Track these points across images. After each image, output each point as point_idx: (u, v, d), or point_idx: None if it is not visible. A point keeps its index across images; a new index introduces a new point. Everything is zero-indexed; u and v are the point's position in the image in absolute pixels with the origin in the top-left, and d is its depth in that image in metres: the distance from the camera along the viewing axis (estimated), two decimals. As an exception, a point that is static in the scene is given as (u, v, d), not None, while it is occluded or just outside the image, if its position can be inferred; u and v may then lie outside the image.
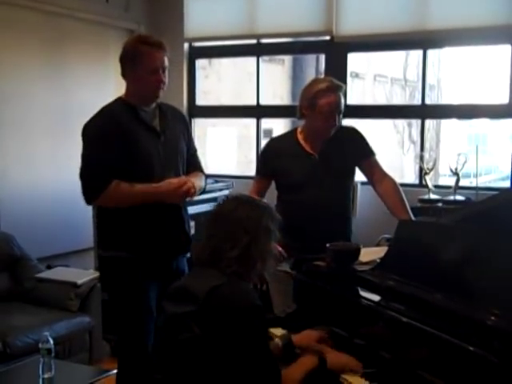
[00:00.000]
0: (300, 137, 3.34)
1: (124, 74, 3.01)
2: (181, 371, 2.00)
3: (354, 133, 3.43)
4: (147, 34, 2.99)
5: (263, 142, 5.72)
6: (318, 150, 3.29)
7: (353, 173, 3.43)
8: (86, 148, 3.00)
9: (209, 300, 1.97)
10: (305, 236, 3.19)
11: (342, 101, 3.26)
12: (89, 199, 3.01)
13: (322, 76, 5.74)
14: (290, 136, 3.42)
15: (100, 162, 2.91)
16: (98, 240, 3.12)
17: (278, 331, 2.52)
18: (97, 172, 2.92)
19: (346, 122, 4.95)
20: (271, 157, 3.39)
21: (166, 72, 2.98)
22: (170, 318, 2.07)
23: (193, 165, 3.19)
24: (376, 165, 3.39)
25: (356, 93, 8.83)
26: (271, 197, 3.45)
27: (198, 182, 3.11)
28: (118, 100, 3.06)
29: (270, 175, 3.41)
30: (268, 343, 2.04)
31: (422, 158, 4.94)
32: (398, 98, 11.71)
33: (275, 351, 2.29)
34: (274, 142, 3.49)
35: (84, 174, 2.98)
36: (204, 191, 3.28)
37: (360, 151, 3.37)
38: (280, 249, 3.17)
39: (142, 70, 2.92)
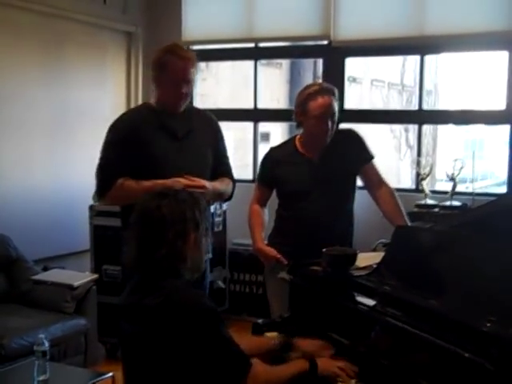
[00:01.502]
0: (299, 144, 3.34)
1: (153, 80, 3.05)
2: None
3: (353, 135, 3.41)
4: (179, 45, 3.02)
5: (260, 146, 5.73)
6: (317, 157, 3.29)
7: (354, 176, 3.41)
8: (103, 149, 3.05)
9: (156, 314, 1.96)
10: (306, 242, 3.17)
11: (334, 104, 3.23)
12: (98, 198, 3.09)
13: (320, 81, 5.75)
14: (289, 144, 3.42)
15: (110, 166, 2.97)
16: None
17: (273, 336, 2.51)
18: (105, 173, 2.98)
19: (343, 127, 4.98)
20: (271, 165, 3.39)
21: (192, 84, 3.00)
22: (126, 337, 2.07)
23: (221, 170, 3.16)
24: (374, 170, 3.38)
25: (353, 97, 8.83)
26: (272, 203, 3.47)
27: (220, 185, 3.09)
28: (144, 104, 3.11)
29: (270, 184, 3.41)
30: (227, 334, 2.01)
31: (418, 164, 4.95)
32: (395, 103, 11.73)
33: (271, 348, 2.33)
34: (274, 151, 3.47)
35: (96, 174, 3.04)
36: (230, 198, 3.26)
37: (360, 156, 3.35)
38: (279, 256, 3.18)
39: (165, 80, 2.97)
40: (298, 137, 3.37)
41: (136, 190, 2.88)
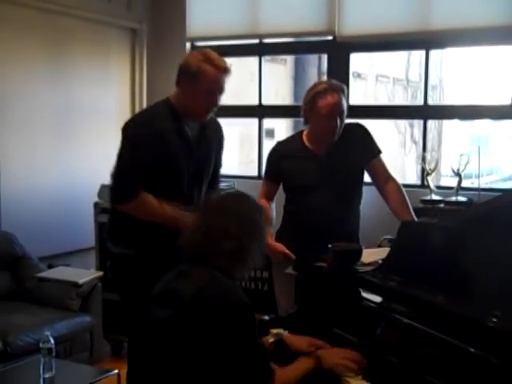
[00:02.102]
0: (306, 139, 3.34)
1: (179, 84, 2.97)
2: (171, 375, 2.00)
3: (360, 130, 3.41)
4: (215, 54, 2.97)
5: (265, 142, 5.72)
6: (324, 152, 3.29)
7: (361, 171, 3.40)
8: (124, 149, 2.93)
9: (195, 302, 1.97)
10: (313, 237, 3.18)
11: (343, 102, 3.23)
12: (114, 203, 2.97)
13: (325, 76, 5.73)
14: (296, 138, 3.42)
15: (134, 175, 2.86)
16: (110, 236, 3.09)
17: (273, 332, 2.51)
18: (129, 184, 2.87)
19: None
20: (278, 159, 3.39)
21: (222, 95, 2.99)
22: (157, 323, 2.06)
23: (213, 181, 3.18)
24: (381, 165, 3.37)
25: (358, 93, 8.80)
26: (279, 199, 3.46)
27: None
28: (167, 104, 2.99)
29: (277, 178, 3.41)
30: (259, 340, 2.03)
31: (424, 159, 4.93)
32: (400, 99, 11.69)
33: (268, 347, 2.32)
34: (281, 145, 3.48)
35: (116, 176, 2.92)
36: None
37: (367, 151, 3.35)
38: (287, 251, 3.17)
39: (199, 89, 2.89)
40: (305, 132, 3.36)
41: (157, 214, 2.86)
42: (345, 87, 3.31)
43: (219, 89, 2.94)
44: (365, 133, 3.40)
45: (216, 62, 2.92)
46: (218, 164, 3.21)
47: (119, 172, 2.91)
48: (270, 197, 3.42)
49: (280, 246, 3.21)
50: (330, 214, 3.21)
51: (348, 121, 3.35)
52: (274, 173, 3.41)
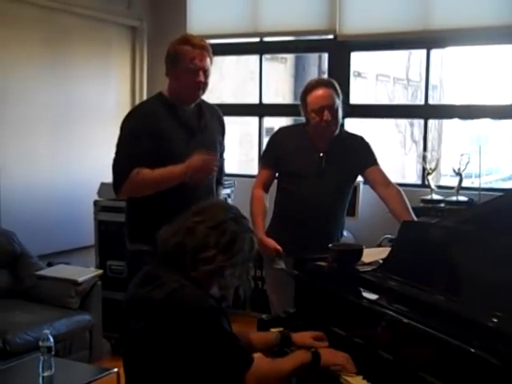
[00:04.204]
0: (309, 132, 3.35)
1: (167, 73, 3.02)
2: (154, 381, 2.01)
3: (362, 141, 3.45)
4: (192, 35, 3.02)
5: (265, 141, 5.71)
6: (324, 149, 3.30)
7: (353, 179, 3.46)
8: (120, 142, 3.00)
9: (163, 308, 1.96)
10: (299, 225, 3.24)
11: (333, 95, 3.26)
12: (115, 191, 3.01)
13: (325, 75, 5.73)
14: (300, 127, 3.43)
15: (128, 157, 2.92)
16: (127, 233, 3.10)
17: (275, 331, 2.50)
18: (123, 164, 2.93)
19: (349, 121, 4.96)
20: (278, 144, 3.40)
21: (209, 73, 2.99)
22: (132, 333, 2.05)
23: (219, 173, 3.22)
24: (381, 173, 3.40)
25: (358, 92, 8.81)
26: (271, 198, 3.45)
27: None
28: (159, 96, 3.06)
29: (274, 163, 3.39)
30: (231, 335, 2.01)
31: (424, 158, 4.93)
32: (400, 98, 11.69)
33: (272, 343, 2.33)
34: (284, 131, 3.54)
35: (113, 167, 2.99)
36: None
37: (365, 159, 3.39)
38: (279, 247, 3.17)
39: (181, 71, 2.94)
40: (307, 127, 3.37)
41: (152, 178, 2.89)
42: (335, 82, 3.34)
43: (201, 67, 2.94)
44: (366, 145, 3.44)
45: (192, 41, 2.96)
46: (221, 152, 3.23)
47: (114, 162, 2.98)
48: (265, 187, 3.41)
49: (271, 242, 3.20)
50: (318, 205, 3.23)
51: (348, 120, 3.36)
52: (273, 155, 3.40)
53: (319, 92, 3.23)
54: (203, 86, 2.99)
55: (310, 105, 3.24)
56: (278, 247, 3.18)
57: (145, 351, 2.00)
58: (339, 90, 3.31)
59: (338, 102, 3.27)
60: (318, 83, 3.29)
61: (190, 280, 2.02)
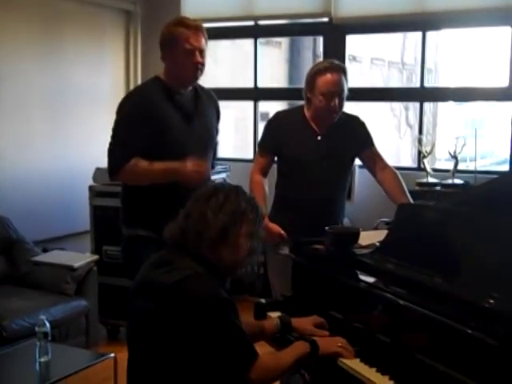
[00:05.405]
0: (307, 114, 3.32)
1: (163, 58, 3.00)
2: (154, 368, 2.00)
3: (359, 122, 3.43)
4: (184, 17, 3.00)
5: (260, 125, 5.69)
6: (322, 132, 3.28)
7: (352, 161, 3.43)
8: (117, 126, 2.98)
9: (172, 294, 1.96)
10: (300, 212, 3.22)
11: (343, 82, 3.21)
12: (110, 174, 2.99)
13: (320, 59, 5.71)
14: (297, 111, 3.40)
15: (125, 142, 2.90)
16: (123, 217, 3.09)
17: (276, 315, 2.50)
18: (120, 150, 2.91)
19: (349, 111, 4.94)
20: (276, 128, 3.37)
21: (205, 54, 2.98)
22: (139, 315, 2.05)
23: (212, 158, 3.21)
24: (378, 155, 3.39)
25: (353, 76, 8.78)
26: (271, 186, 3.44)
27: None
28: (155, 80, 3.03)
29: (272, 148, 3.36)
30: (239, 327, 2.01)
31: (420, 141, 4.92)
32: (395, 82, 11.66)
33: (272, 330, 2.33)
34: (281, 115, 3.47)
35: (109, 150, 2.97)
36: None
37: (362, 140, 3.37)
38: (283, 232, 3.16)
39: (178, 52, 2.92)
40: (306, 109, 3.33)
41: (148, 172, 2.89)
42: (346, 68, 3.29)
43: (197, 47, 2.93)
44: (363, 125, 3.42)
45: (186, 22, 2.96)
46: (217, 133, 3.23)
47: (110, 147, 2.96)
48: (264, 171, 3.38)
49: (276, 227, 3.19)
50: (320, 188, 3.22)
51: (346, 109, 3.33)
52: (271, 141, 3.37)
53: (332, 76, 3.17)
54: (201, 67, 2.98)
55: (320, 88, 3.17)
56: (283, 232, 3.17)
57: (149, 334, 2.00)
58: (348, 76, 3.29)
59: (346, 89, 3.25)
60: (332, 67, 3.21)
61: (204, 265, 2.03)
